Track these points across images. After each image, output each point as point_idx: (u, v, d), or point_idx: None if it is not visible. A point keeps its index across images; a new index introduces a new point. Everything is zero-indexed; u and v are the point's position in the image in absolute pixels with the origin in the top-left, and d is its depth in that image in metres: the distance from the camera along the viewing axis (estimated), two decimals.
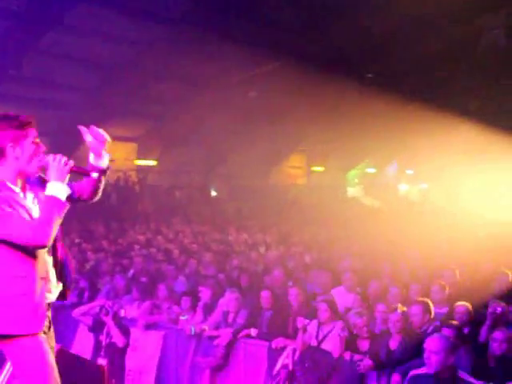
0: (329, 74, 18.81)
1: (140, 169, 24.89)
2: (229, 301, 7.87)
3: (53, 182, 3.48)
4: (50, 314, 3.72)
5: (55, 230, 3.43)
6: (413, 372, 5.59)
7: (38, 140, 3.62)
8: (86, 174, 3.74)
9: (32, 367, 3.50)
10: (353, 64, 20.30)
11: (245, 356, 7.56)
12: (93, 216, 17.07)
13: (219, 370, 7.60)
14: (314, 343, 7.09)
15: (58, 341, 4.02)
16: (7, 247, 3.42)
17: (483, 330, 6.46)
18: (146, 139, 23.92)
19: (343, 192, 29.91)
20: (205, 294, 8.34)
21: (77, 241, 13.44)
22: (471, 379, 5.33)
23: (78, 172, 3.71)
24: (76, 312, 8.20)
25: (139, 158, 24.71)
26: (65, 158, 3.56)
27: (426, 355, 5.26)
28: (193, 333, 7.80)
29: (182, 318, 8.22)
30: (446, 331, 6.02)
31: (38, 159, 3.58)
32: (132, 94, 20.20)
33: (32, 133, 3.58)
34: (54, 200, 3.44)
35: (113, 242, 13.72)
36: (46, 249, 3.57)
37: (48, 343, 3.60)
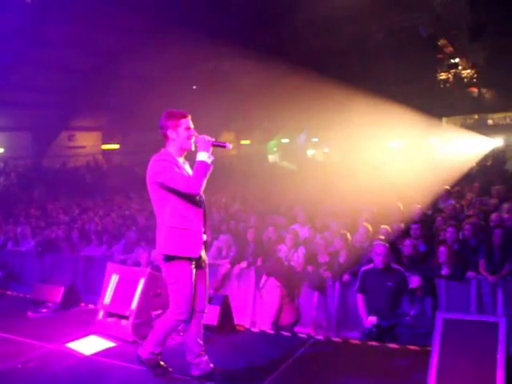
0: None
1: (105, 152, 24.52)
2: (223, 240, 8.49)
3: (201, 152, 3.99)
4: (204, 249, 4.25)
5: (204, 183, 3.94)
6: (363, 268, 6.29)
7: (190, 126, 4.14)
8: (223, 146, 4.15)
9: (180, 280, 4.07)
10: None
11: (238, 278, 8.15)
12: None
13: (219, 288, 8.03)
14: (286, 262, 7.84)
15: None
16: (176, 196, 4.00)
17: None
18: (109, 127, 23.76)
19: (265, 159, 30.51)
20: None
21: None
22: (398, 267, 6.23)
23: (217, 145, 4.08)
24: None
25: (104, 143, 24.38)
26: (208, 137, 4.05)
27: (374, 257, 6.03)
28: None
29: None
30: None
31: (190, 139, 4.12)
32: (96, 93, 20.10)
33: (184, 122, 4.12)
34: (202, 163, 3.95)
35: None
36: (201, 200, 4.12)
37: (196, 267, 4.13)
